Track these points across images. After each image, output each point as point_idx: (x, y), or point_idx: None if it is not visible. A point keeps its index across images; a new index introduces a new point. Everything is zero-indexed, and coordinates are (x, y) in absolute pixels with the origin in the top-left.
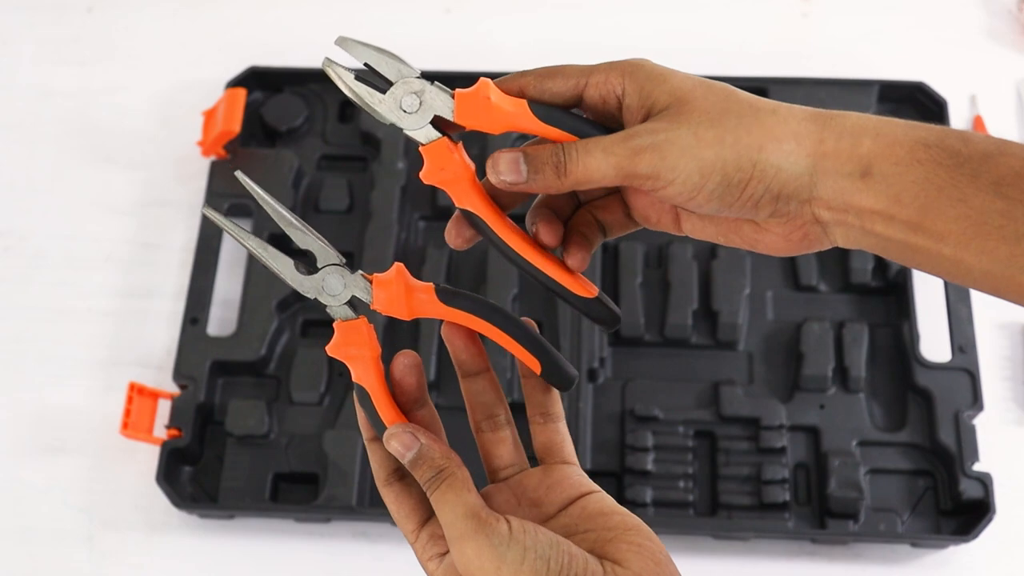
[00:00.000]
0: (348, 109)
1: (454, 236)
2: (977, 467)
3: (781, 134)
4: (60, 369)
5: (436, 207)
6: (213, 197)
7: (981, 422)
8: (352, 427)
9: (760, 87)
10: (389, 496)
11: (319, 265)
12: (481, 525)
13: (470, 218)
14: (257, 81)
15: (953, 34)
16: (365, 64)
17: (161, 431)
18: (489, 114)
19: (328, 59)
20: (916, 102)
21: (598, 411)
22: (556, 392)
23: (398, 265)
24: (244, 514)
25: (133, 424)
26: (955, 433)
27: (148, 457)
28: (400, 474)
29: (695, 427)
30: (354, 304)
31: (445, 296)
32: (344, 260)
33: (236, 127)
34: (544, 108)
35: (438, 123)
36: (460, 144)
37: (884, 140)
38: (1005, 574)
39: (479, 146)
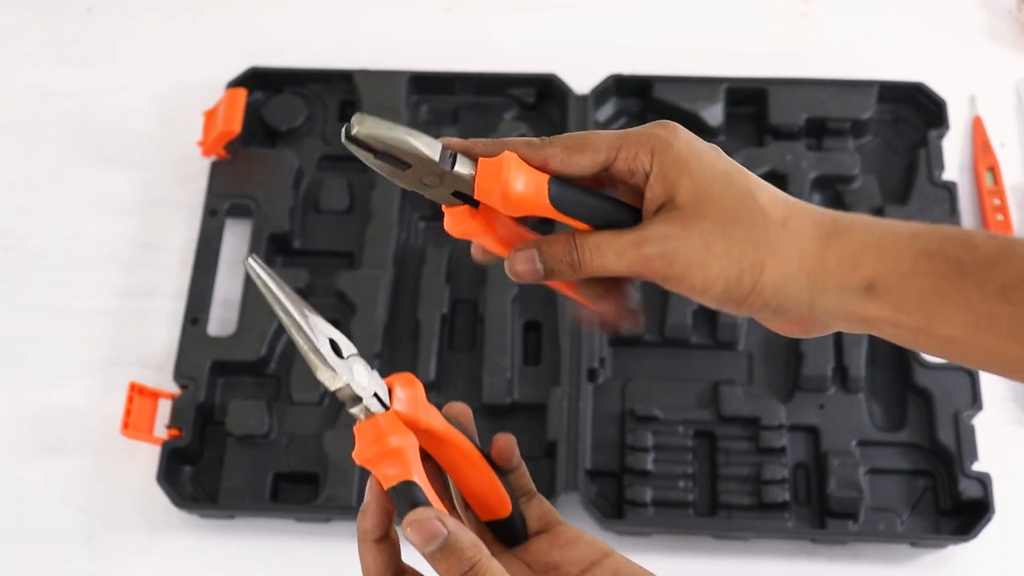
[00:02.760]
0: (348, 109)
1: (481, 254)
2: (976, 467)
3: (786, 253)
4: (60, 369)
5: (436, 207)
6: (213, 197)
7: (980, 422)
8: (352, 427)
9: (760, 87)
10: (371, 553)
11: (344, 355)
12: None
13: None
14: (257, 81)
15: (953, 34)
16: (384, 151)
17: (161, 431)
18: (507, 201)
19: (347, 136)
20: (916, 102)
21: (598, 411)
22: (528, 474)
23: (409, 375)
24: (244, 514)
25: (133, 424)
26: (954, 433)
27: (148, 457)
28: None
29: (695, 427)
30: (378, 399)
31: (449, 421)
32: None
33: (237, 127)
34: (562, 192)
35: (460, 195)
36: (482, 206)
37: (886, 255)
38: (1005, 574)
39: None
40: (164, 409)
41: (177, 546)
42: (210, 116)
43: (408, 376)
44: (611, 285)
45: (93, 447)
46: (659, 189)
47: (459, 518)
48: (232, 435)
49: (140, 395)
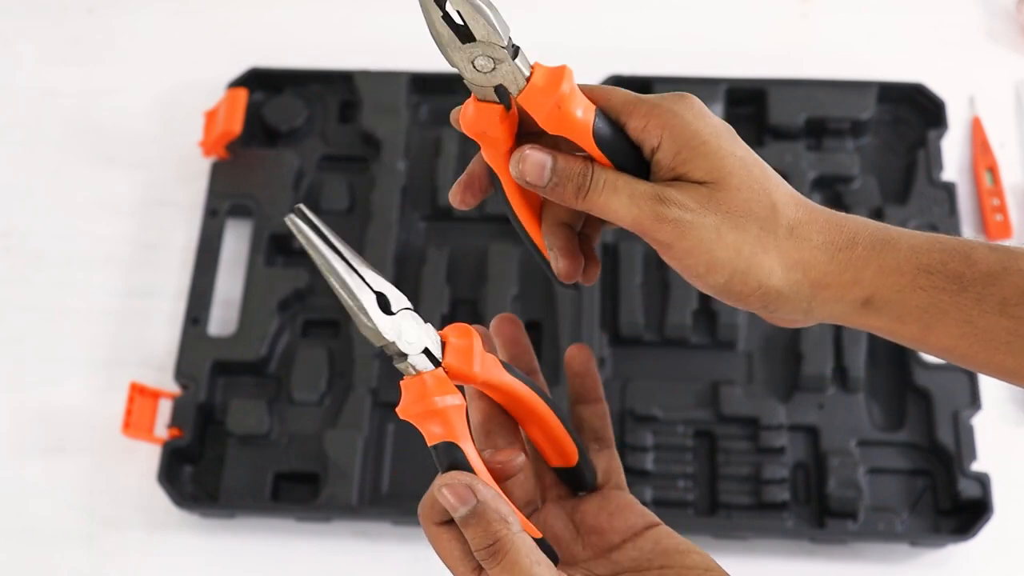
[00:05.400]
0: (348, 110)
1: (459, 196)
2: (975, 467)
3: (792, 261)
4: (60, 369)
5: (436, 207)
6: (214, 197)
7: (979, 422)
8: (352, 427)
9: (759, 87)
10: (443, 537)
11: (393, 310)
12: None
13: (491, 174)
14: (258, 82)
15: (952, 34)
16: (457, 11)
17: (162, 431)
18: (556, 113)
19: None
20: (915, 103)
21: None
22: (609, 419)
23: (465, 326)
24: (245, 513)
25: (134, 424)
26: (954, 433)
27: (149, 457)
28: None
29: (695, 427)
30: (428, 355)
31: (511, 370)
32: (412, 306)
33: (237, 127)
34: (604, 125)
35: (501, 91)
36: (514, 112)
37: (886, 270)
38: (1003, 573)
39: None
40: (165, 409)
41: (177, 545)
42: (211, 116)
43: (463, 327)
44: (578, 236)
45: (94, 447)
46: (667, 164)
47: (527, 455)
48: (232, 435)
49: (141, 395)
